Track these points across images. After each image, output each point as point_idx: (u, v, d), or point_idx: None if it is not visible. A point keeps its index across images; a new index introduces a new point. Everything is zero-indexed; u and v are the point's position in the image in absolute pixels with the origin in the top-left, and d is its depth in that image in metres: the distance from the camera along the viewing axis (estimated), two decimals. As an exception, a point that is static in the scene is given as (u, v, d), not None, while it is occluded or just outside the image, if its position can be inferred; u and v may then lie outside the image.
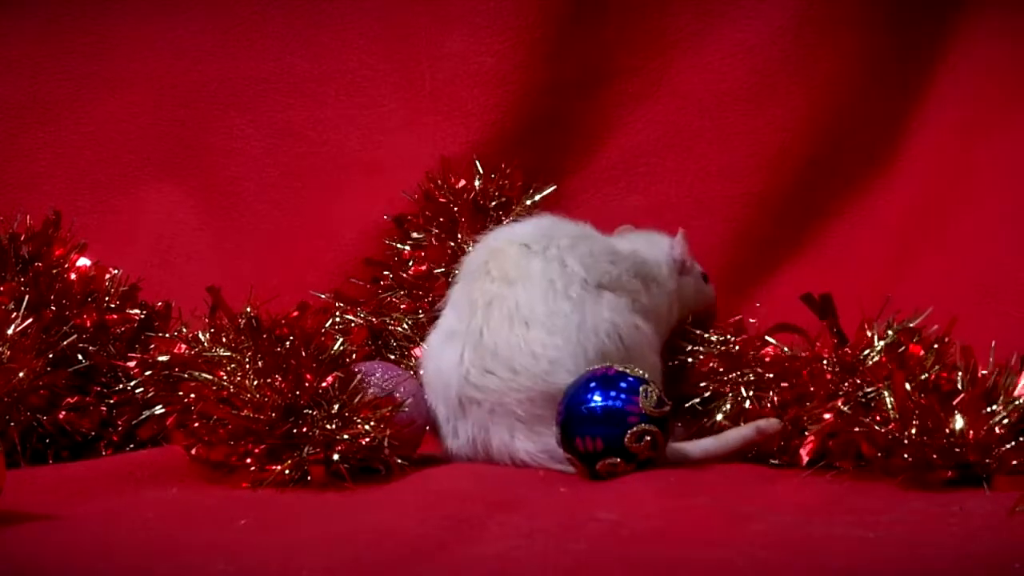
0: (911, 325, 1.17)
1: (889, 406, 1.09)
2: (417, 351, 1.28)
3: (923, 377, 1.10)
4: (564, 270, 1.19)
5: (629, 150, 1.57)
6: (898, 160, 1.55)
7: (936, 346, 1.14)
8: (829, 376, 1.15)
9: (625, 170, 1.57)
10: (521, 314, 1.17)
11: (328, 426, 1.09)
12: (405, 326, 1.28)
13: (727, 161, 1.55)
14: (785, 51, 1.55)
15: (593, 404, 1.10)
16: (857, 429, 1.09)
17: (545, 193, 1.39)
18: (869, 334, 1.17)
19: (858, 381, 1.14)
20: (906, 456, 1.06)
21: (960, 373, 1.10)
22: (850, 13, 1.55)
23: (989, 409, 1.07)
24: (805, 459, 1.14)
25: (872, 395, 1.12)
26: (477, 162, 1.39)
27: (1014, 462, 1.05)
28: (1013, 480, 1.03)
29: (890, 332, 1.14)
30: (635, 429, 1.10)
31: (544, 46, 1.52)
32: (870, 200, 1.54)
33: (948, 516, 0.95)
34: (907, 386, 1.08)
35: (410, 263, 1.34)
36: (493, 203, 1.36)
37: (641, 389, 1.11)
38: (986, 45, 1.53)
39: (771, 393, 1.20)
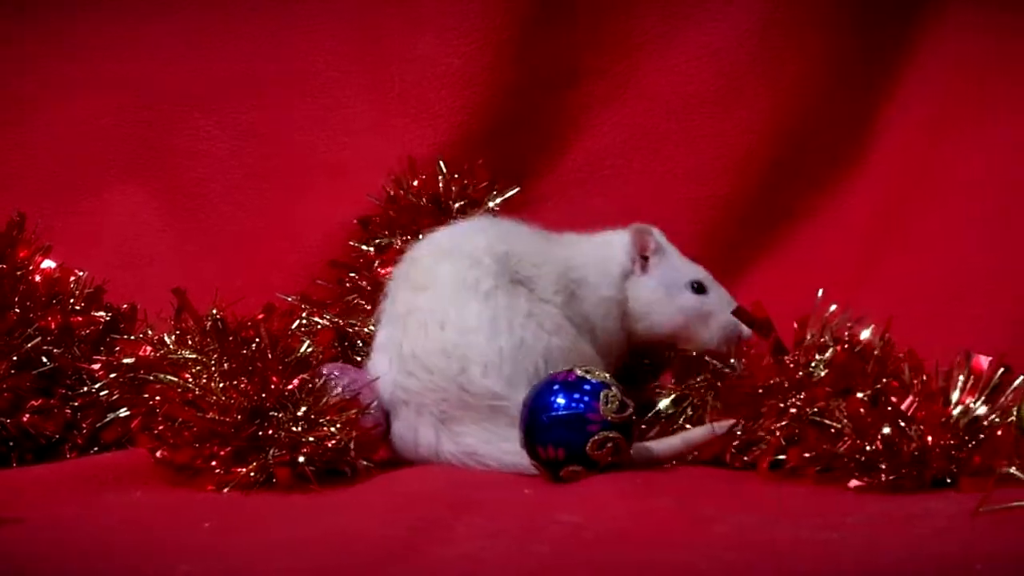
0: (862, 337, 1.15)
1: (841, 425, 1.09)
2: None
3: (876, 387, 1.10)
4: (476, 268, 1.17)
5: (595, 152, 1.57)
6: (864, 161, 1.56)
7: (876, 352, 1.13)
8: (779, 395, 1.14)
9: (591, 172, 1.58)
10: (435, 318, 1.16)
11: (294, 428, 1.09)
12: (371, 328, 1.28)
13: (693, 163, 1.56)
14: (751, 54, 1.56)
15: (554, 413, 1.09)
16: (810, 453, 1.09)
17: (509, 195, 1.39)
18: (809, 341, 1.16)
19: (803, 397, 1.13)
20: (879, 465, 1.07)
21: (916, 380, 1.11)
22: (816, 15, 1.55)
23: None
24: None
25: (824, 411, 1.12)
26: (441, 163, 1.39)
27: (976, 463, 1.06)
28: (977, 481, 1.04)
29: (830, 345, 1.14)
30: (597, 437, 1.09)
31: (511, 48, 1.52)
32: (836, 201, 1.55)
33: (913, 517, 0.96)
34: (860, 409, 1.08)
35: (375, 265, 1.34)
36: (457, 204, 1.36)
37: (602, 395, 1.10)
38: (952, 43, 1.54)
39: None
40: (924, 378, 1.10)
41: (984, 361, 1.09)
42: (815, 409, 1.12)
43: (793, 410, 1.12)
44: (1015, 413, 0.97)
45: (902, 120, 1.55)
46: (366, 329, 1.29)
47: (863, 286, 1.46)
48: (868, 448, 1.06)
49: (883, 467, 1.05)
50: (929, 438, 1.06)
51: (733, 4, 1.56)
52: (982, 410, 1.06)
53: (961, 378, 1.09)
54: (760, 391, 1.15)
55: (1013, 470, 0.93)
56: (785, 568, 0.83)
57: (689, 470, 1.17)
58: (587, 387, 1.10)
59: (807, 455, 1.09)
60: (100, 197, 1.58)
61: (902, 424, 1.06)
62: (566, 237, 1.28)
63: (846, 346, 1.14)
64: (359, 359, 1.29)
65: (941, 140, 1.52)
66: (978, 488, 1.01)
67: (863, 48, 1.56)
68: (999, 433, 1.06)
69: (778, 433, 1.12)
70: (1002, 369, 1.10)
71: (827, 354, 1.14)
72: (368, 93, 1.55)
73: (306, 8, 1.57)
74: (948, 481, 1.06)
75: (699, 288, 1.25)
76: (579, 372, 1.12)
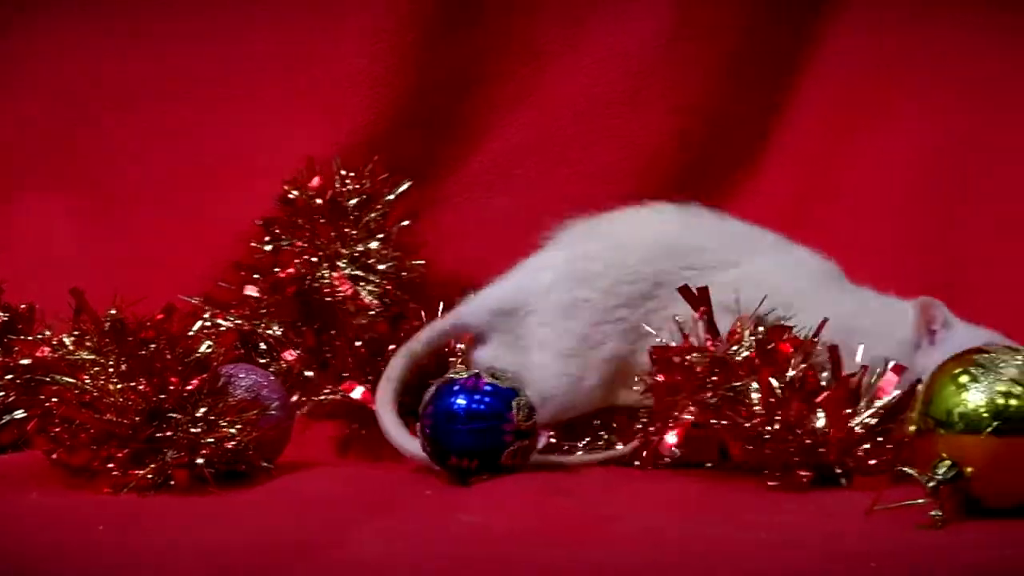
0: (782, 323, 1.16)
1: (755, 401, 1.10)
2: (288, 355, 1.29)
3: (790, 374, 1.11)
4: None
5: (502, 154, 1.57)
6: (767, 162, 1.57)
7: (800, 345, 1.15)
8: (700, 369, 1.15)
9: (499, 174, 1.57)
10: None
11: (192, 430, 1.08)
12: (274, 330, 1.27)
13: (599, 166, 1.56)
14: (657, 56, 1.56)
15: (465, 423, 1.10)
16: (724, 422, 1.11)
17: (401, 190, 1.38)
18: (740, 330, 1.18)
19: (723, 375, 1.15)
20: (767, 452, 1.08)
21: (826, 372, 1.12)
22: (721, 19, 1.56)
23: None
24: (670, 446, 1.14)
25: (740, 388, 1.13)
26: (336, 162, 1.39)
27: (872, 462, 1.08)
28: (870, 480, 1.05)
29: (760, 329, 1.15)
30: (512, 448, 1.11)
31: (417, 50, 1.51)
32: (739, 203, 1.56)
33: (812, 516, 0.97)
34: (773, 381, 1.10)
35: (274, 267, 1.34)
36: (353, 202, 1.35)
37: (514, 403, 1.11)
38: (851, 42, 1.55)
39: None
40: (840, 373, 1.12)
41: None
42: (732, 385, 1.13)
43: (710, 386, 1.14)
44: (912, 414, 0.99)
45: (804, 120, 1.56)
46: (269, 331, 1.29)
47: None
48: (770, 428, 1.07)
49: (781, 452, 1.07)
50: (832, 431, 1.07)
51: (639, 7, 1.57)
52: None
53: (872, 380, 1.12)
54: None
55: (907, 469, 0.94)
56: (689, 565, 0.83)
57: (590, 471, 1.18)
58: (498, 394, 1.11)
59: (717, 423, 1.11)
60: (7, 197, 1.57)
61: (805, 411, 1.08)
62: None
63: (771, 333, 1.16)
64: (261, 361, 1.28)
65: (841, 140, 1.54)
66: (872, 486, 1.03)
67: (767, 50, 1.57)
68: (894, 433, 1.08)
69: (692, 408, 1.14)
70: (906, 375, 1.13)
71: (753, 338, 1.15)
72: (277, 94, 1.54)
73: (215, 10, 1.56)
74: (843, 482, 1.08)
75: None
76: (487, 378, 1.12)
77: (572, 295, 1.24)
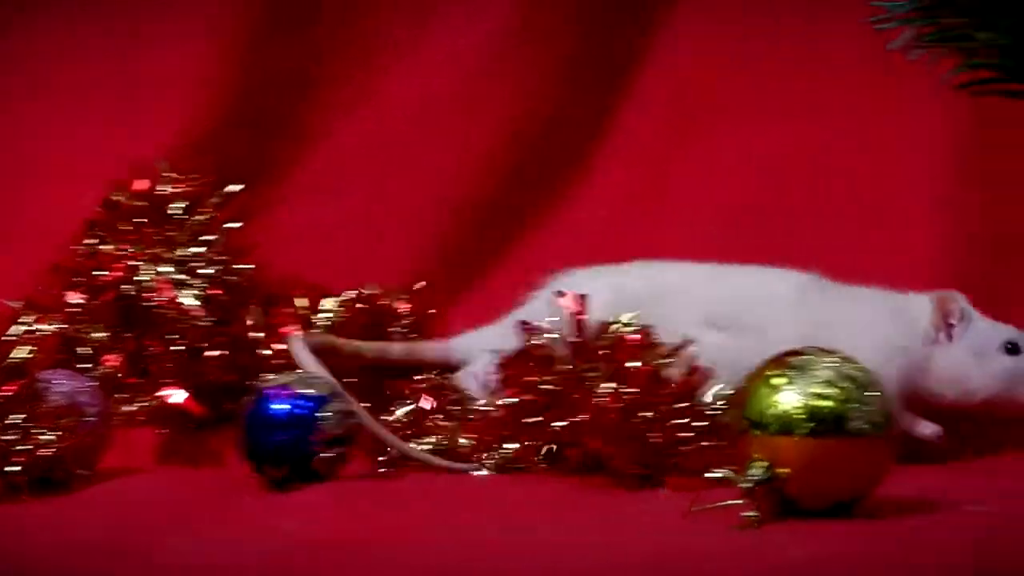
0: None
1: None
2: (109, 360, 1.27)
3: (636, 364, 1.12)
4: None
5: (336, 157, 1.55)
6: (600, 164, 1.58)
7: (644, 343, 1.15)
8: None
9: (334, 176, 1.56)
10: None
11: (5, 437, 1.06)
12: (95, 335, 1.25)
13: (434, 168, 1.55)
14: (494, 59, 1.56)
15: (275, 437, 1.10)
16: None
17: (228, 191, 1.36)
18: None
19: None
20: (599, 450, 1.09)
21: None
22: (558, 22, 1.57)
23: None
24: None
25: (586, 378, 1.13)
26: (162, 163, 1.36)
27: (697, 463, 1.09)
28: (689, 481, 1.06)
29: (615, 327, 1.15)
30: (322, 456, 1.10)
31: (248, 50, 1.49)
32: (572, 209, 1.56)
33: (631, 516, 0.98)
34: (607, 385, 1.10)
35: (96, 271, 1.31)
36: (178, 204, 1.33)
37: (323, 411, 1.10)
38: (689, 44, 1.57)
39: None
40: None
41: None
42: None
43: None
44: (730, 416, 1.00)
45: (638, 126, 1.57)
46: (90, 336, 1.26)
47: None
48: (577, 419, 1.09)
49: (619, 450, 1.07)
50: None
51: (475, 11, 1.57)
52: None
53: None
54: None
55: (723, 471, 0.95)
56: (501, 569, 0.83)
57: (422, 475, 1.17)
58: (306, 402, 1.11)
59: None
60: None
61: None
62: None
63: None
64: (85, 366, 1.26)
65: (674, 142, 1.55)
66: (689, 488, 1.04)
67: (602, 53, 1.58)
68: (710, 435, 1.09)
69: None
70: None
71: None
72: (100, 94, 1.51)
73: (35, 7, 1.52)
74: (663, 482, 1.08)
75: (1014, 349, 1.20)
76: (299, 386, 1.11)
77: None
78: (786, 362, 0.95)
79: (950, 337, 1.21)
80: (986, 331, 1.21)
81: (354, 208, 1.54)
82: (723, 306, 1.25)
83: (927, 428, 1.20)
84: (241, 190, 1.38)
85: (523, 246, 1.55)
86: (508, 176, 1.55)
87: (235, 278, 1.32)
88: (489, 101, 1.56)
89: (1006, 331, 1.22)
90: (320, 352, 1.25)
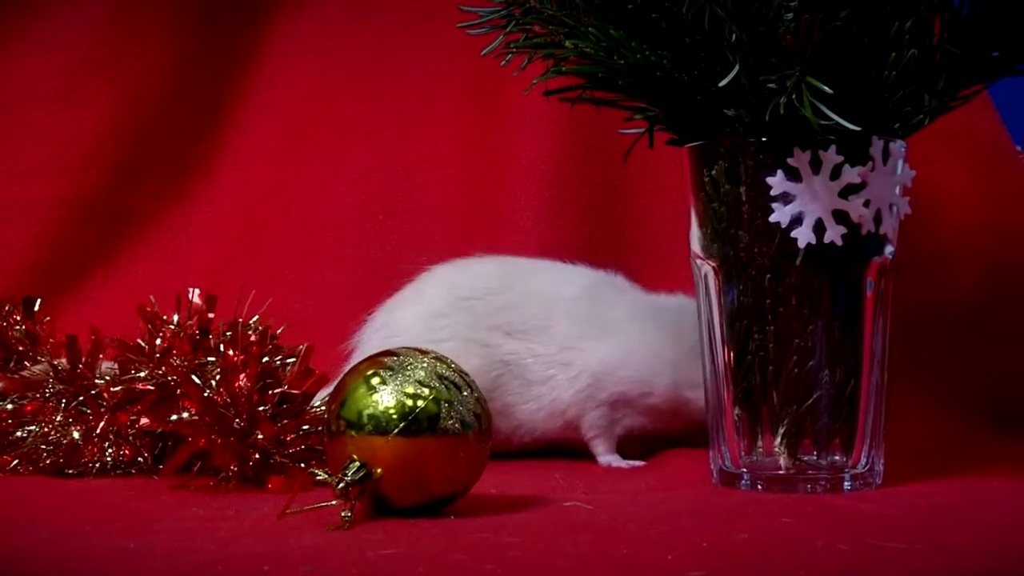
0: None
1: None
2: None
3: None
4: None
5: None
6: (216, 168, 1.57)
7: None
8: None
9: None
10: None
11: None
12: None
13: (32, 162, 1.51)
14: (93, 53, 1.53)
15: None
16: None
17: None
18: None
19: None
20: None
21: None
22: (158, 20, 1.55)
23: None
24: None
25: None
26: None
27: (291, 464, 1.09)
28: (287, 482, 1.06)
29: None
30: None
31: None
32: (187, 208, 1.55)
33: (224, 518, 0.97)
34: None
35: None
36: None
37: None
38: (302, 60, 1.58)
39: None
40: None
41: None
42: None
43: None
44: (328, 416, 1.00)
45: (256, 130, 1.57)
46: None
47: (218, 289, 1.46)
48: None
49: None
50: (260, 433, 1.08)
51: (75, 3, 1.53)
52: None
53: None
54: None
55: (317, 472, 0.95)
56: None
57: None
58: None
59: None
60: None
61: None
62: None
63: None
64: None
65: (291, 149, 1.56)
66: (287, 489, 1.04)
67: (212, 56, 1.57)
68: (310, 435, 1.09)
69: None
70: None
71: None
72: None
73: None
74: (266, 484, 1.08)
75: None
76: None
77: None
78: (382, 362, 0.96)
79: None
80: None
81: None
82: (512, 314, 1.25)
83: (613, 460, 1.23)
84: None
85: (141, 241, 1.53)
86: (112, 173, 1.53)
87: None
88: (86, 96, 1.53)
89: None
90: None
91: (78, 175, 1.52)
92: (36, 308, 1.28)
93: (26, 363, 1.22)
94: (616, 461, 1.22)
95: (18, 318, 1.27)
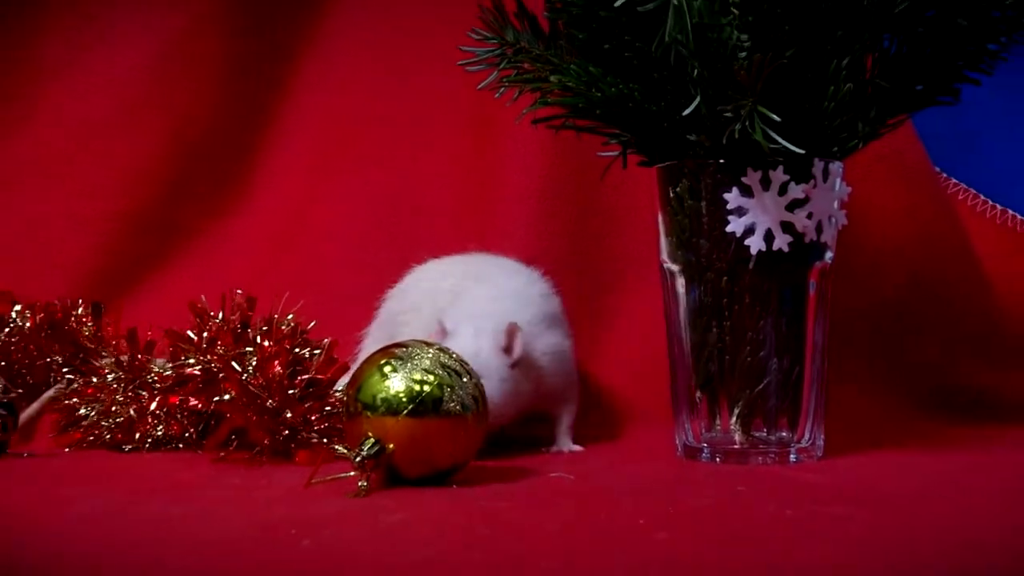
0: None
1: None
2: None
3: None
4: None
5: (5, 171, 1.50)
6: (252, 184, 1.56)
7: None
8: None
9: (3, 189, 1.50)
10: None
11: None
12: None
13: (93, 182, 1.50)
14: (146, 84, 1.53)
15: None
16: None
17: None
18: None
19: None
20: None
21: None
22: (206, 51, 1.54)
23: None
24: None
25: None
26: None
27: (316, 440, 1.08)
28: (311, 455, 1.06)
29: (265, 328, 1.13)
30: None
31: None
32: (228, 222, 1.54)
33: (256, 488, 0.96)
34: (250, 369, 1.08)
35: None
36: None
37: None
38: (327, 95, 1.57)
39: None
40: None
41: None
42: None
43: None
44: (347, 399, 0.99)
45: (288, 150, 1.56)
46: None
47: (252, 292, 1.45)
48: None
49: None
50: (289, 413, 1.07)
51: (130, 38, 1.53)
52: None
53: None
54: None
55: (341, 447, 0.95)
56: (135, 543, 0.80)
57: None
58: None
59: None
60: None
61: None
62: None
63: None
64: None
65: (317, 177, 1.55)
66: (312, 461, 1.04)
67: (249, 91, 1.56)
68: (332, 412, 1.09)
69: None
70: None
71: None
72: None
73: None
74: (294, 458, 1.07)
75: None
76: None
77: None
78: (393, 352, 0.95)
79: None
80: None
81: (21, 219, 1.48)
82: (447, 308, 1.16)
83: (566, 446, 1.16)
84: None
85: (188, 253, 1.52)
86: (164, 190, 1.52)
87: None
88: (141, 122, 1.52)
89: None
90: None
91: (133, 193, 1.51)
92: (102, 312, 1.29)
93: (92, 361, 1.22)
94: None
95: (88, 322, 1.27)
